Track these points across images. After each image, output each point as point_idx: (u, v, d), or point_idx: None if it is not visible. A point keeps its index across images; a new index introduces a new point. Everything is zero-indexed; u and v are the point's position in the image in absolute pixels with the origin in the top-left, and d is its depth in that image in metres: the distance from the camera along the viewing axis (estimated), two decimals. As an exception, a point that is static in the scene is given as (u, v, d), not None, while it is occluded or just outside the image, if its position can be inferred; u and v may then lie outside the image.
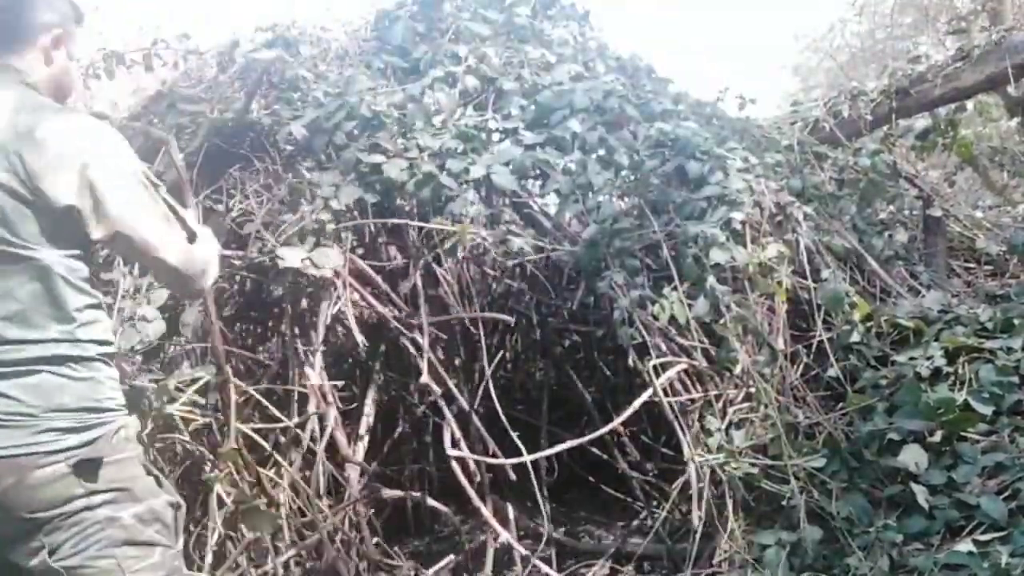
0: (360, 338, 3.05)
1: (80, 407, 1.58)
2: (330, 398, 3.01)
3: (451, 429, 3.05)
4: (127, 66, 3.93)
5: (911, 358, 2.91)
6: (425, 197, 3.11)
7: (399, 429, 4.11)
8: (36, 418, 1.53)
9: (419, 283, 3.43)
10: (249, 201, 3.15)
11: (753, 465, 2.65)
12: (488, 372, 3.20)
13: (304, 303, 3.13)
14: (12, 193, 1.51)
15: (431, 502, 3.38)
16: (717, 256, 2.91)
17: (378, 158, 3.11)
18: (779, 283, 2.98)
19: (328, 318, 3.01)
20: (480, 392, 3.43)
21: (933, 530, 2.45)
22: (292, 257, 2.86)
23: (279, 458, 2.84)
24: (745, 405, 2.84)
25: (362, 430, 3.38)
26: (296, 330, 3.12)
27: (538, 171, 3.42)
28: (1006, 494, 2.45)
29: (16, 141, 1.52)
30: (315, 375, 2.94)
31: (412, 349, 3.21)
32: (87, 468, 1.56)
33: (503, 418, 3.10)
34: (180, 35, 3.98)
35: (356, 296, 3.09)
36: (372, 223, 3.35)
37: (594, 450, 3.80)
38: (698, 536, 2.60)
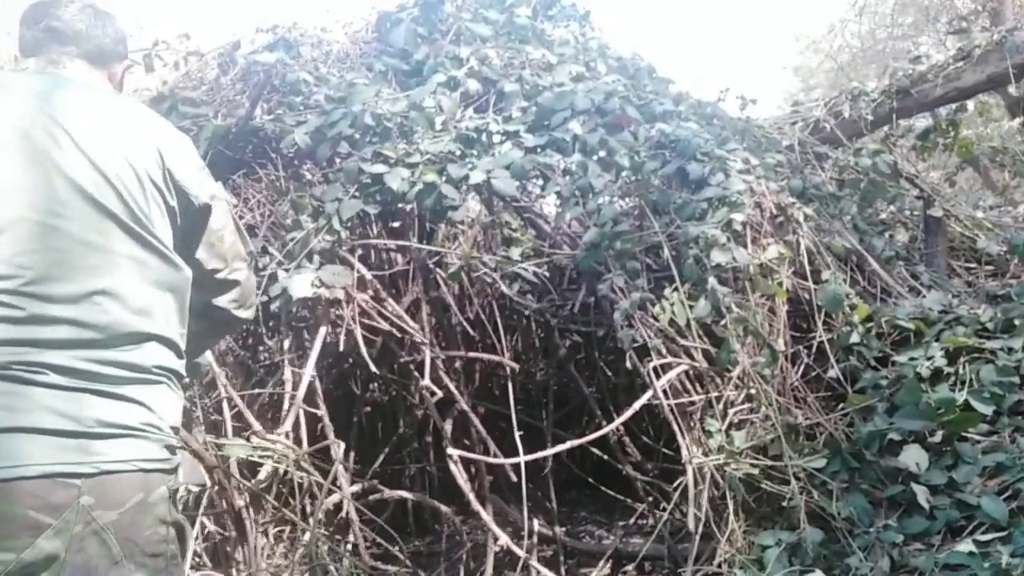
0: (370, 362, 3.03)
1: (175, 427, 1.46)
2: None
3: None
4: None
5: (912, 358, 2.91)
6: (427, 206, 3.10)
7: (400, 429, 4.11)
8: (162, 432, 1.41)
9: (420, 287, 3.44)
10: (253, 213, 3.15)
11: (753, 466, 2.65)
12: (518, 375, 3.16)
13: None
14: (157, 188, 1.44)
15: (433, 503, 3.39)
16: (718, 257, 2.91)
17: (380, 168, 3.10)
18: (780, 284, 2.99)
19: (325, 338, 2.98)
20: (475, 391, 3.44)
21: (934, 530, 2.45)
22: (301, 286, 2.82)
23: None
24: (745, 406, 2.84)
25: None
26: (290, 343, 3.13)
27: (538, 173, 3.42)
28: (1007, 494, 2.45)
29: (155, 135, 1.47)
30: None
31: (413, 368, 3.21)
32: (174, 497, 1.44)
33: (503, 419, 3.10)
34: (181, 35, 3.99)
35: (361, 309, 3.07)
36: (374, 228, 3.35)
37: (595, 451, 3.80)
38: (699, 537, 2.60)
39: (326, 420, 2.97)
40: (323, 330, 2.97)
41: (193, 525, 2.46)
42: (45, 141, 1.37)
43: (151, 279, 1.42)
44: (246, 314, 1.74)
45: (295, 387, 2.90)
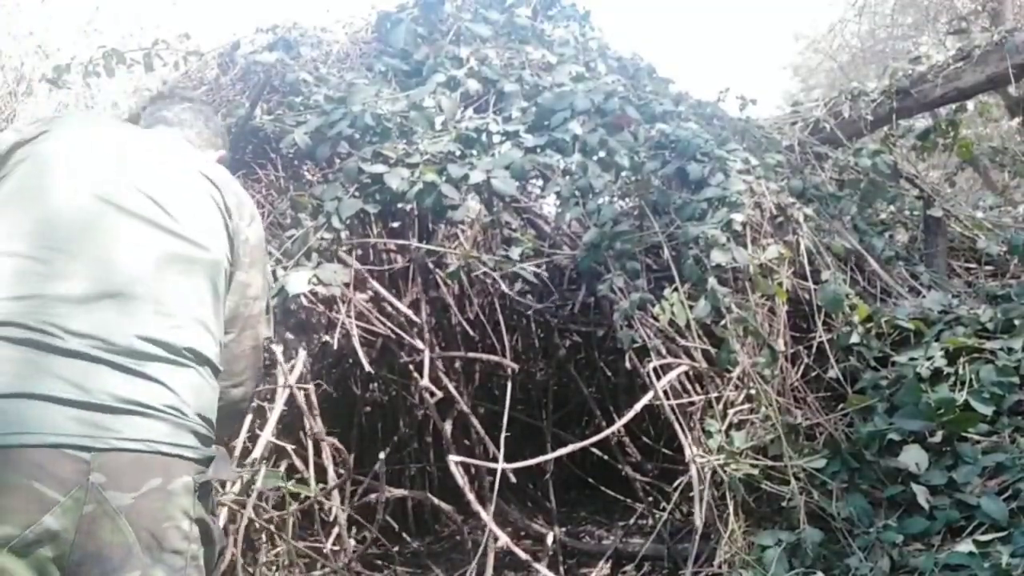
0: (364, 361, 3.02)
1: (209, 418, 1.40)
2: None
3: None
4: (127, 65, 3.94)
5: (911, 359, 2.90)
6: (427, 206, 3.10)
7: (400, 429, 4.11)
8: (186, 417, 1.34)
9: (419, 287, 3.43)
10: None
11: (753, 466, 2.65)
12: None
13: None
14: (222, 212, 1.58)
15: (434, 500, 3.38)
16: (718, 257, 2.91)
17: (380, 168, 3.10)
18: (780, 284, 2.98)
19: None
20: (475, 391, 3.43)
21: (934, 530, 2.45)
22: (297, 283, 2.82)
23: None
24: (745, 406, 2.84)
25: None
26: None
27: (538, 173, 3.42)
28: (1007, 494, 2.45)
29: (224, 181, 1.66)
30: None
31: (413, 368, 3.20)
32: (205, 493, 1.36)
33: (505, 419, 3.10)
34: (181, 35, 3.99)
35: (359, 309, 3.07)
36: (374, 228, 3.35)
37: (595, 451, 3.80)
38: (699, 537, 2.60)
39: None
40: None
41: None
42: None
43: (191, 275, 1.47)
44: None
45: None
